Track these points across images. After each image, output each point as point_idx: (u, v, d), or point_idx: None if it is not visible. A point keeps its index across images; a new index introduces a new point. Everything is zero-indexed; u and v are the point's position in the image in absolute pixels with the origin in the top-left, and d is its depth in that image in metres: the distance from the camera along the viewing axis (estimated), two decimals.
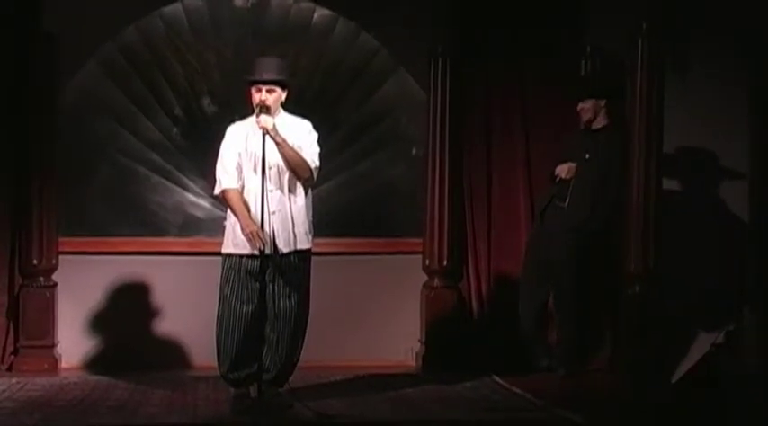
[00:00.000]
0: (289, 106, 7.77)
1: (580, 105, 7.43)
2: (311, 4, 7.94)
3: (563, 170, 7.39)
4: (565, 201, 7.36)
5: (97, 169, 7.85)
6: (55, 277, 7.68)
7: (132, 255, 7.78)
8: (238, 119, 7.63)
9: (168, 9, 7.85)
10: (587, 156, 7.34)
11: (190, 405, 6.47)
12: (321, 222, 7.63)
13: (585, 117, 7.44)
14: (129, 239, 7.82)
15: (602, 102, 7.42)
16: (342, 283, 7.91)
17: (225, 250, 6.41)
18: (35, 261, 7.57)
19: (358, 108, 8.05)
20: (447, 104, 7.82)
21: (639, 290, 7.28)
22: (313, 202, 7.78)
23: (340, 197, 8.04)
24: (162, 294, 7.78)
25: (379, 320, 7.92)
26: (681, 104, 7.46)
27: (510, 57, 7.86)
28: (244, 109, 7.71)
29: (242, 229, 6.22)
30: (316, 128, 7.73)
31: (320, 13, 7.96)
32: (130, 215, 7.87)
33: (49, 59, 7.53)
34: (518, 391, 6.90)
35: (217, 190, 6.44)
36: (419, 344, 7.88)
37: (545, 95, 7.78)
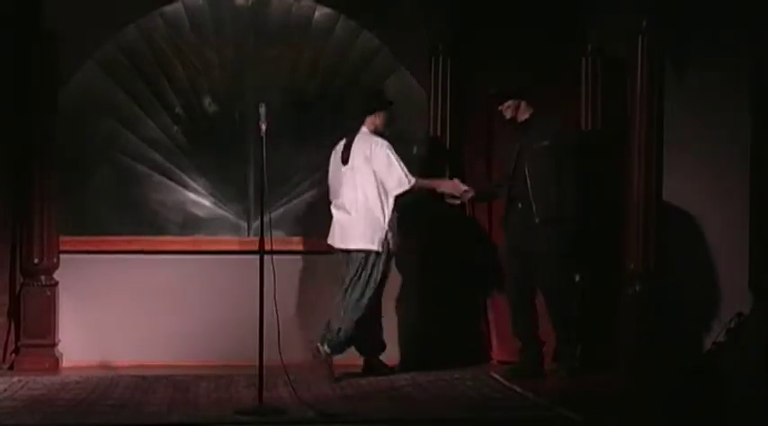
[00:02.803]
0: (290, 104, 7.87)
1: (499, 107, 7.43)
2: (312, 3, 7.93)
3: (458, 192, 7.44)
4: (529, 200, 7.25)
5: (98, 168, 7.83)
6: (56, 276, 7.67)
7: (133, 254, 7.76)
8: (238, 118, 7.72)
9: (169, 8, 7.84)
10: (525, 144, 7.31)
11: (191, 404, 6.46)
12: (321, 221, 7.63)
13: (509, 115, 7.43)
14: (130, 238, 7.81)
15: (518, 101, 7.41)
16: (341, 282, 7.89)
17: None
18: (36, 260, 7.56)
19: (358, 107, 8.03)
20: (447, 104, 7.83)
21: (639, 289, 7.30)
22: (315, 201, 7.83)
23: None
24: (162, 293, 7.77)
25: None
26: (681, 104, 7.48)
27: (510, 57, 7.86)
28: (244, 108, 7.78)
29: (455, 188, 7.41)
30: (316, 126, 7.79)
31: (321, 11, 7.95)
32: (131, 214, 7.86)
33: (49, 59, 7.53)
34: (518, 390, 6.89)
35: (409, 186, 7.18)
36: (420, 342, 7.87)
37: (545, 95, 7.77)
